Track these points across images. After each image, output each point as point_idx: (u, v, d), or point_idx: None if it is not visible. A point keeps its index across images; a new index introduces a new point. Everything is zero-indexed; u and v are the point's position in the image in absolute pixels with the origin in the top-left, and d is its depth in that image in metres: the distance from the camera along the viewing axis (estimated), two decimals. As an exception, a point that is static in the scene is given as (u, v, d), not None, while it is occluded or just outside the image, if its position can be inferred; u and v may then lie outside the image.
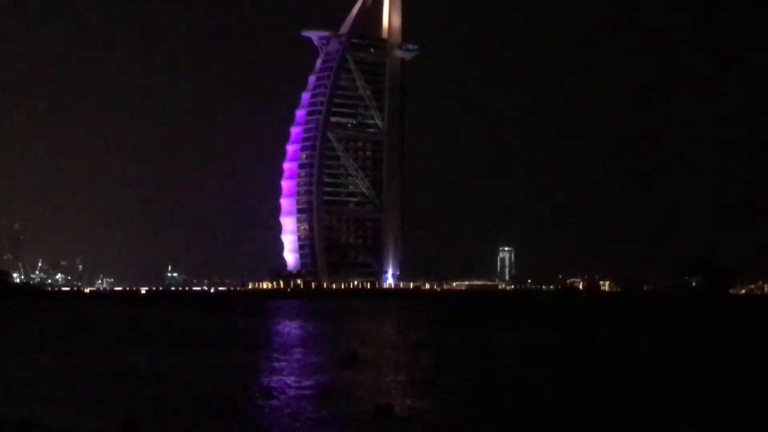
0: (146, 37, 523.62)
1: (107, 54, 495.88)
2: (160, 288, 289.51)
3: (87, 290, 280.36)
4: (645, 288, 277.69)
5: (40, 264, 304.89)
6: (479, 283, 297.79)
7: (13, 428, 24.24)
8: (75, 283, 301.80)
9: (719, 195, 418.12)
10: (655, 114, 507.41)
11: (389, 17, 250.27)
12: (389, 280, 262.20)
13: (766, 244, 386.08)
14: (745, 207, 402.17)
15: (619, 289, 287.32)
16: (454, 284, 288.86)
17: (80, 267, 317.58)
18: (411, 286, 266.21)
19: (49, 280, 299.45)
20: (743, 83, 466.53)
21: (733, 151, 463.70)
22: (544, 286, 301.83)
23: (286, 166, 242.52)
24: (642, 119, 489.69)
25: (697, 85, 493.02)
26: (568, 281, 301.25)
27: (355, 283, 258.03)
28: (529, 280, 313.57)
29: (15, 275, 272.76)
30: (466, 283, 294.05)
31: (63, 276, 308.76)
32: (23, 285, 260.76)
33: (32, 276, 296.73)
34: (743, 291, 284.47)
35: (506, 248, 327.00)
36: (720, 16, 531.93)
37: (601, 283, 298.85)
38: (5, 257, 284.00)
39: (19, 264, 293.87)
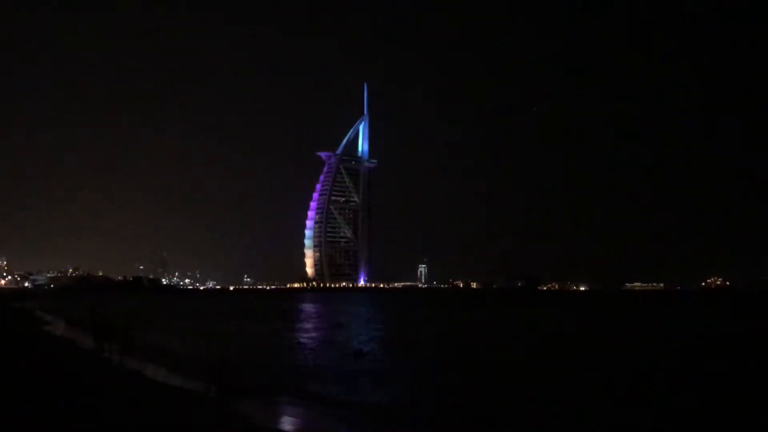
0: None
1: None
2: (242, 287, 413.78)
3: (201, 288, 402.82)
4: (494, 286, 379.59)
5: (176, 274, 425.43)
6: (408, 283, 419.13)
7: (153, 348, 32.82)
8: (195, 284, 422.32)
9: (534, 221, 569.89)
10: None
11: (362, 144, 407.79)
12: (362, 282, 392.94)
13: (561, 256, 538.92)
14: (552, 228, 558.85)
15: (480, 287, 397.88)
16: (395, 284, 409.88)
17: (198, 275, 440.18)
18: (373, 285, 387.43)
19: (181, 283, 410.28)
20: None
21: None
22: (443, 285, 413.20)
23: (308, 223, 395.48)
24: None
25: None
26: (454, 282, 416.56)
27: (344, 284, 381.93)
28: (434, 282, 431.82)
29: (163, 281, 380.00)
30: (401, 284, 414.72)
31: (189, 280, 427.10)
32: (167, 285, 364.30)
33: (172, 280, 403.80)
34: (545, 288, 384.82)
35: (422, 265, 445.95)
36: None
37: (472, 283, 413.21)
38: (158, 270, 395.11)
39: (166, 274, 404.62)
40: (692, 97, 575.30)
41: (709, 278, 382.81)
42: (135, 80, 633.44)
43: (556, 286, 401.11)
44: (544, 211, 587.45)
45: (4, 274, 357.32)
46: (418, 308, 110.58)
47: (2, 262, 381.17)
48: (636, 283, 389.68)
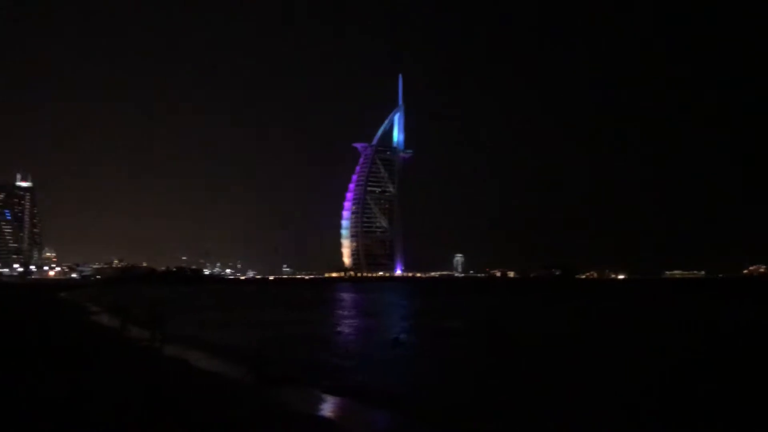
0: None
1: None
2: (281, 276, 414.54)
3: (243, 278, 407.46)
4: (531, 275, 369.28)
5: (218, 264, 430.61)
6: (444, 273, 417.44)
7: (187, 339, 32.40)
8: (236, 274, 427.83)
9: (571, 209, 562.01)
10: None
11: (397, 135, 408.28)
12: (398, 272, 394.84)
13: (599, 245, 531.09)
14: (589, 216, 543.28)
15: (517, 276, 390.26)
16: (431, 273, 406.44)
17: (239, 265, 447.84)
18: (409, 275, 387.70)
19: (222, 273, 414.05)
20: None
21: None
22: (479, 274, 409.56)
23: (345, 213, 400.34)
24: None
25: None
26: (491, 271, 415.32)
27: (380, 273, 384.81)
28: (471, 271, 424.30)
29: (205, 271, 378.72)
30: (438, 273, 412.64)
31: (231, 270, 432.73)
32: (210, 275, 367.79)
33: (215, 270, 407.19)
34: (583, 276, 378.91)
35: (458, 254, 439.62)
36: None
37: (508, 272, 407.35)
38: (200, 261, 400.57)
39: (208, 264, 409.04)
40: (726, 84, 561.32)
41: (752, 266, 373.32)
42: (176, 75, 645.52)
43: (594, 275, 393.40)
44: (581, 199, 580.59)
45: (53, 265, 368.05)
46: (455, 297, 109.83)
47: (51, 254, 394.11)
48: (676, 271, 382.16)
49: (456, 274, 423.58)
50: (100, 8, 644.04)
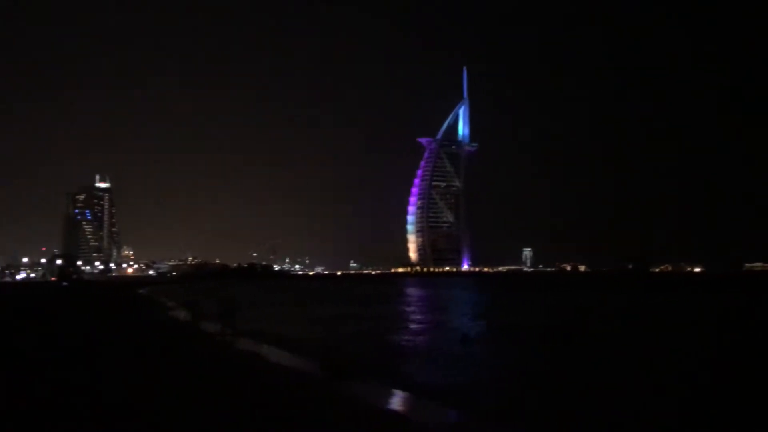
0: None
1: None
2: (348, 272, 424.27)
3: (311, 273, 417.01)
4: (603, 269, 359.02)
5: (287, 260, 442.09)
6: (512, 267, 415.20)
7: (257, 333, 32.69)
8: (305, 269, 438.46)
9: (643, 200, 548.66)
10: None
11: (462, 128, 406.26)
12: (465, 267, 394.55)
13: (673, 237, 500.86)
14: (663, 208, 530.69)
15: (588, 270, 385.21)
16: (499, 268, 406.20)
17: (307, 261, 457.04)
18: (477, 270, 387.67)
19: (291, 269, 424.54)
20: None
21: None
22: (549, 269, 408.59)
23: (410, 208, 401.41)
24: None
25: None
26: (561, 265, 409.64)
27: (447, 268, 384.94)
28: (540, 265, 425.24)
29: (275, 267, 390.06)
30: (506, 268, 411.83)
31: (299, 266, 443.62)
32: (278, 271, 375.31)
33: (283, 266, 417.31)
34: (658, 270, 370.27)
35: (527, 248, 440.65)
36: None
37: (579, 266, 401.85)
38: (270, 257, 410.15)
39: (278, 261, 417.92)
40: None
41: None
42: (241, 72, 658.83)
43: (670, 268, 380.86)
44: (653, 190, 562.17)
45: (131, 263, 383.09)
46: (524, 292, 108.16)
47: (129, 252, 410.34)
48: (756, 263, 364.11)
49: (525, 269, 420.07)
50: (190, 13, 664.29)
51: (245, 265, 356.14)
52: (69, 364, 19.07)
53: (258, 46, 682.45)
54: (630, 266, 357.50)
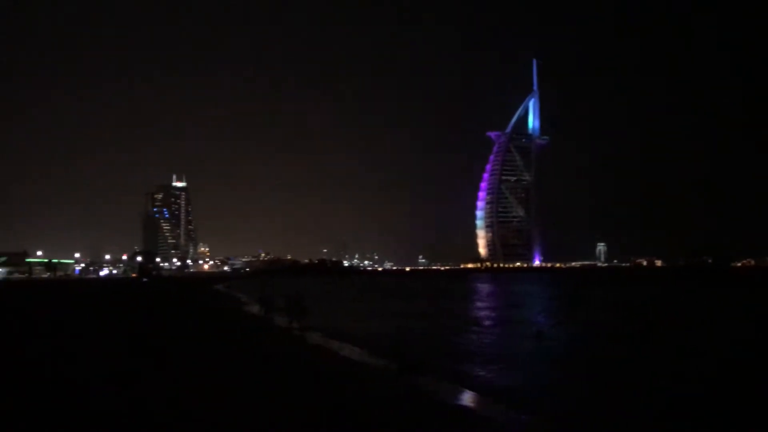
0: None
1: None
2: (417, 268, 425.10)
3: (380, 269, 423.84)
4: (680, 263, 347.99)
5: (357, 256, 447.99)
6: (586, 262, 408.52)
7: (326, 327, 33.19)
8: (374, 265, 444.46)
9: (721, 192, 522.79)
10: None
11: (532, 121, 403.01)
12: (537, 262, 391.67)
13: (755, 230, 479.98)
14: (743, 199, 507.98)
15: (665, 264, 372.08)
16: (572, 263, 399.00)
17: (376, 257, 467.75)
18: (548, 265, 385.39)
19: (361, 264, 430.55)
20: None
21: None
22: (624, 264, 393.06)
23: (479, 203, 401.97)
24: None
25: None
26: (636, 260, 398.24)
27: (518, 264, 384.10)
28: (615, 260, 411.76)
29: (345, 263, 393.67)
30: (579, 263, 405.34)
31: (368, 262, 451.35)
32: (348, 267, 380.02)
33: (353, 262, 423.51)
34: (739, 264, 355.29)
35: (600, 243, 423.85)
36: None
37: (656, 260, 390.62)
38: (340, 253, 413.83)
39: (347, 256, 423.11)
40: None
41: None
42: (320, 71, 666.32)
43: (752, 262, 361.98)
44: (732, 182, 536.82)
45: (207, 259, 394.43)
46: (599, 288, 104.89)
47: (205, 249, 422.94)
48: None
49: (599, 264, 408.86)
50: (281, 11, 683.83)
51: (316, 261, 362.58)
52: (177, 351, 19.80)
53: (322, 43, 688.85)
54: (709, 260, 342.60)
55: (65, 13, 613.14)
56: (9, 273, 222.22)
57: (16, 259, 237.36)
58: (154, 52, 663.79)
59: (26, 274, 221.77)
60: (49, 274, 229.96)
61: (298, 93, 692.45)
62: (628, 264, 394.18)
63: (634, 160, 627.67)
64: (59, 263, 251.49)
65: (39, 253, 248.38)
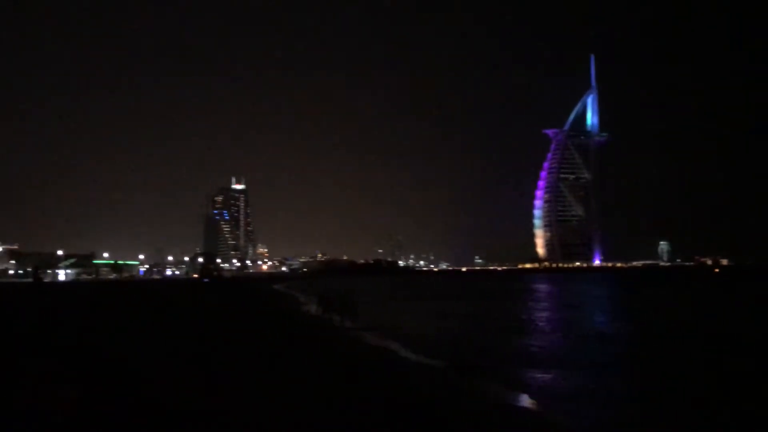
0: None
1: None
2: (473, 268, 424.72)
3: (435, 269, 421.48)
4: (748, 262, 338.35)
5: (412, 256, 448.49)
6: (648, 261, 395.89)
7: (381, 327, 33.83)
8: (429, 265, 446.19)
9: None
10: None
11: (590, 118, 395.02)
12: (597, 262, 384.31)
13: None
14: None
15: (731, 264, 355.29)
16: (634, 263, 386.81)
17: (431, 257, 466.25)
18: (609, 265, 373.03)
19: (416, 265, 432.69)
20: None
21: None
22: (688, 263, 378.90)
23: (537, 202, 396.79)
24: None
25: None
26: (701, 259, 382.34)
27: (578, 263, 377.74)
28: (678, 259, 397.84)
29: (400, 263, 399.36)
30: (641, 262, 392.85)
31: (424, 262, 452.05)
32: (403, 267, 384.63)
33: (408, 262, 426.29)
34: None
35: (663, 241, 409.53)
36: None
37: (721, 259, 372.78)
38: (395, 253, 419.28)
39: (401, 257, 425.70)
40: None
41: None
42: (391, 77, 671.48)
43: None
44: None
45: (266, 260, 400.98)
46: (662, 288, 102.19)
47: (264, 249, 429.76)
48: None
49: (661, 263, 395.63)
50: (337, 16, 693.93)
51: (371, 262, 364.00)
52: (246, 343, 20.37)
53: (375, 42, 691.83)
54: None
55: (132, 12, 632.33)
56: (77, 274, 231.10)
57: (83, 261, 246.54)
58: (209, 57, 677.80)
59: (93, 275, 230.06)
60: (115, 275, 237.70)
61: (355, 93, 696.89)
62: (692, 263, 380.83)
63: (697, 155, 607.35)
64: (125, 264, 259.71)
65: (105, 254, 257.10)
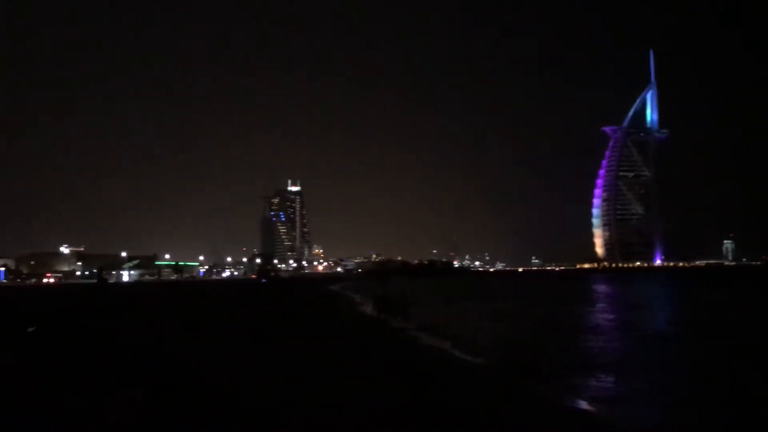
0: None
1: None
2: (530, 268, 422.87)
3: (491, 270, 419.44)
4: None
5: (467, 256, 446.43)
6: (711, 261, 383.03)
7: (435, 327, 33.74)
8: (485, 266, 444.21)
9: None
10: None
11: (650, 114, 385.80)
12: (658, 261, 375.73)
13: None
14: None
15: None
16: (696, 262, 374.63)
17: (487, 257, 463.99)
18: (671, 264, 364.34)
19: (471, 265, 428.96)
20: None
21: None
22: (754, 262, 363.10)
23: (595, 201, 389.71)
24: None
25: None
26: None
27: (638, 263, 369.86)
28: (744, 259, 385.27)
29: (455, 264, 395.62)
30: (704, 262, 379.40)
31: (479, 263, 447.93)
32: (459, 268, 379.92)
33: (463, 263, 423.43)
34: None
35: (727, 240, 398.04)
36: None
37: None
38: (450, 254, 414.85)
39: (457, 257, 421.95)
40: None
41: None
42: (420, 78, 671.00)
43: None
44: None
45: (321, 260, 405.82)
46: (728, 289, 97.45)
47: (319, 250, 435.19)
48: None
49: (726, 263, 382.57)
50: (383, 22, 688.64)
51: (426, 262, 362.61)
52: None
53: (428, 45, 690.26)
54: None
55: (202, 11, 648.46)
56: (140, 275, 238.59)
57: (146, 262, 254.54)
58: (268, 58, 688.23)
59: (156, 276, 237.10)
60: (176, 275, 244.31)
61: (408, 95, 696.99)
62: (758, 262, 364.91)
63: (761, 151, 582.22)
64: (185, 265, 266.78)
65: (167, 256, 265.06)
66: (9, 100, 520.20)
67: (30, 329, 19.30)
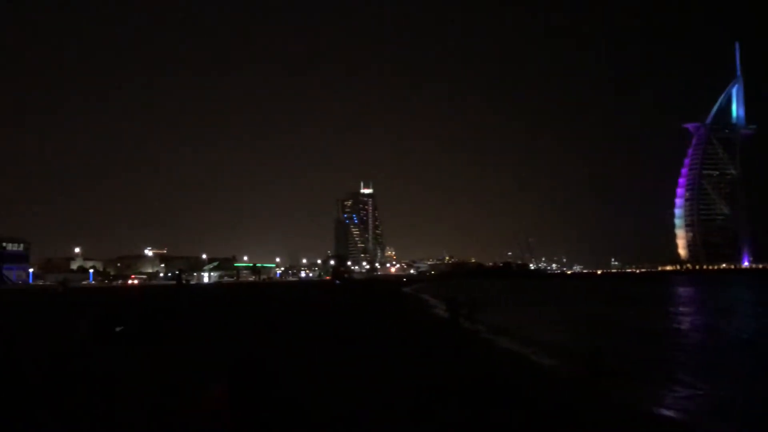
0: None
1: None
2: (609, 271, 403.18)
3: (568, 272, 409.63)
4: None
5: (543, 258, 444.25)
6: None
7: (509, 330, 34.10)
8: (562, 268, 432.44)
9: None
10: None
11: (736, 110, 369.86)
12: (746, 263, 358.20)
13: None
14: None
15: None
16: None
17: (564, 259, 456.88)
18: (760, 267, 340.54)
19: (548, 267, 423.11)
20: None
21: None
22: None
23: (677, 201, 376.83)
24: None
25: None
26: None
27: (723, 265, 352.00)
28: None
29: (531, 266, 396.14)
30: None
31: (556, 265, 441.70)
32: (535, 270, 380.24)
33: (539, 265, 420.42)
34: None
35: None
36: None
37: None
38: (525, 255, 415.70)
39: (533, 259, 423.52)
40: None
41: None
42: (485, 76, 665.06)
43: None
44: None
45: (394, 262, 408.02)
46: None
47: (392, 252, 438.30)
48: None
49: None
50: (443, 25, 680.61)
51: (500, 264, 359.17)
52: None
53: (493, 41, 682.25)
54: None
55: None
56: (220, 276, 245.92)
57: (225, 264, 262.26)
58: (338, 60, 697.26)
59: (234, 277, 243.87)
60: (253, 277, 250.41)
61: (475, 95, 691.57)
62: None
63: None
64: (263, 267, 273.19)
65: (245, 258, 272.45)
66: (95, 104, 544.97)
67: (118, 329, 20.15)
